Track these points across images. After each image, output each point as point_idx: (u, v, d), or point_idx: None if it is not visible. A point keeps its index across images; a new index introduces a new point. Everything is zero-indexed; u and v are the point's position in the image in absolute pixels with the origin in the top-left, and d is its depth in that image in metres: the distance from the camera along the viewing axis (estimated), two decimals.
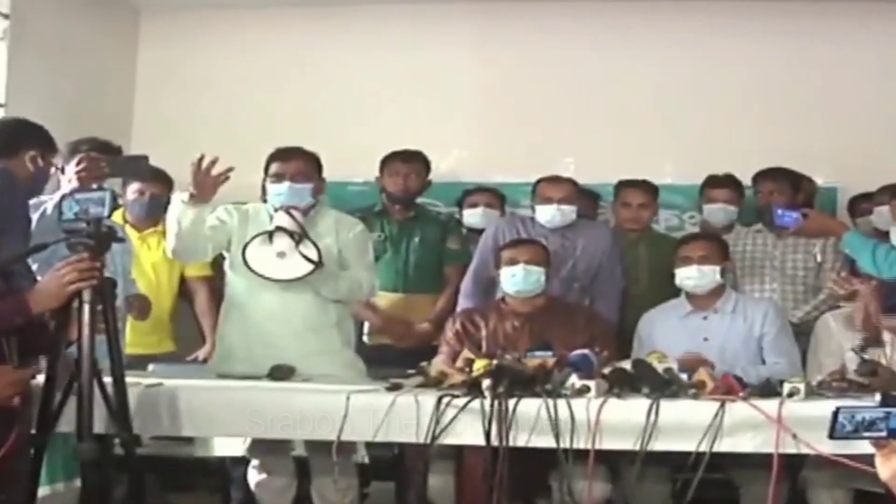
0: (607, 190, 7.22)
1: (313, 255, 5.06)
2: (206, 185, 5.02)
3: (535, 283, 5.47)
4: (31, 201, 4.76)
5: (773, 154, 6.71)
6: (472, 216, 6.95)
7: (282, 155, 5.30)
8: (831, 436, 3.13)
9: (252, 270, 5.10)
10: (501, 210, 7.12)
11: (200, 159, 5.01)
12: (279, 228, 5.09)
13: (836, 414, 3.11)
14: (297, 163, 5.26)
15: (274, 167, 5.27)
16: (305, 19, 8.18)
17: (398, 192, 6.45)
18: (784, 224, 5.34)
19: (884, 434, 3.08)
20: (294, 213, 5.16)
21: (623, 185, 6.62)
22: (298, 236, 5.08)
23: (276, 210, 5.22)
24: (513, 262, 5.49)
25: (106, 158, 5.07)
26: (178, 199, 5.06)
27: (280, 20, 8.20)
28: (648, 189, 6.58)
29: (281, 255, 5.08)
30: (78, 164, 5.02)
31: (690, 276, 5.53)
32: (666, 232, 7.12)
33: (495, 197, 7.15)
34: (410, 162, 6.49)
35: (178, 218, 5.05)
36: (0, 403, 3.50)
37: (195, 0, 8.26)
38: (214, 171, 5.02)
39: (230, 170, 5.07)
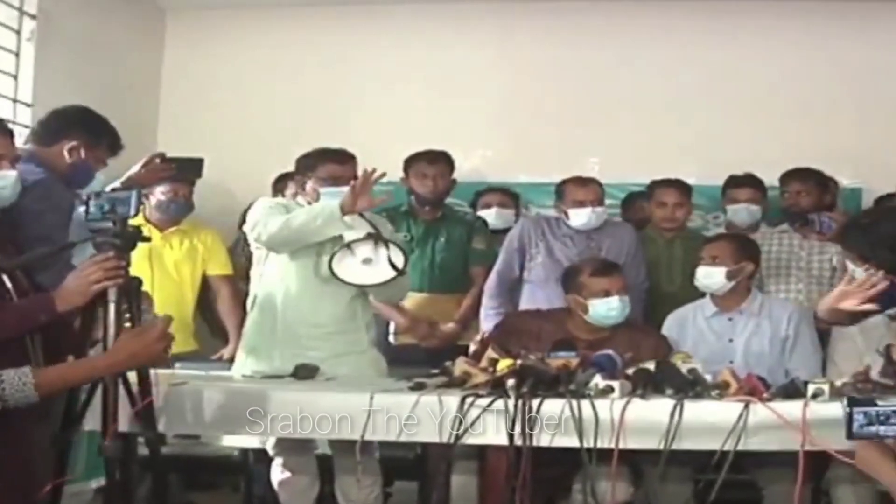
0: (631, 190, 7.26)
1: (399, 261, 5.02)
2: (364, 199, 4.99)
3: (628, 312, 5.37)
4: None
5: (797, 154, 6.70)
6: (486, 216, 6.93)
7: (337, 158, 5.25)
8: (849, 436, 3.13)
9: (343, 281, 5.04)
10: (516, 209, 7.13)
11: (370, 173, 4.99)
12: (370, 235, 5.03)
13: (850, 413, 3.10)
14: (351, 167, 5.21)
15: (329, 169, 5.20)
16: (330, 19, 8.20)
17: (428, 193, 6.43)
18: (825, 231, 5.33)
19: None
20: (365, 214, 5.12)
21: (658, 185, 6.59)
22: (385, 241, 5.03)
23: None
24: (606, 293, 5.32)
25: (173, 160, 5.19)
26: (332, 206, 5.00)
27: (305, 20, 8.23)
28: (683, 188, 6.54)
29: (367, 261, 5.01)
30: (146, 164, 5.09)
31: (698, 277, 5.57)
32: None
33: (508, 196, 7.16)
34: (437, 163, 6.48)
35: (320, 221, 5.00)
36: (159, 360, 3.68)
37: (221, 0, 8.29)
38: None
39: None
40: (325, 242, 5.08)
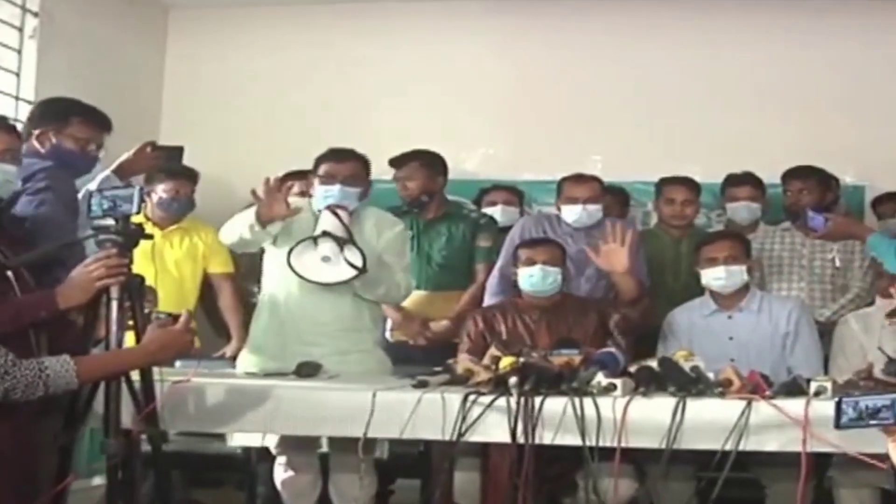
0: (635, 188, 7.27)
1: (358, 261, 4.99)
2: (277, 206, 5.01)
3: (552, 283, 5.48)
4: None
5: (800, 152, 6.71)
6: (492, 214, 6.92)
7: (334, 156, 5.26)
8: (837, 425, 3.13)
9: (297, 274, 5.07)
10: (520, 207, 7.12)
11: (267, 181, 5.01)
12: (325, 233, 5.04)
13: (839, 404, 3.11)
14: (349, 165, 5.22)
15: (325, 168, 5.23)
16: (332, 16, 8.21)
17: (405, 197, 6.41)
18: (813, 227, 5.34)
19: (890, 421, 3.08)
20: (340, 213, 5.10)
21: (667, 182, 6.62)
22: (343, 241, 5.02)
23: (320, 210, 5.20)
24: (531, 262, 5.50)
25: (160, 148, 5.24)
26: (251, 216, 5.03)
27: (307, 18, 8.23)
28: (692, 186, 6.56)
29: (326, 259, 5.01)
30: (137, 151, 5.17)
31: (718, 277, 5.53)
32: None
33: (513, 194, 7.15)
34: (403, 166, 6.43)
35: (242, 230, 5.06)
36: (185, 352, 3.83)
37: None
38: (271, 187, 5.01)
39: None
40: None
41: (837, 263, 6.20)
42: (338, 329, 5.16)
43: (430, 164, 6.47)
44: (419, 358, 5.67)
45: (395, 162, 6.43)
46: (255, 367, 5.07)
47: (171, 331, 3.66)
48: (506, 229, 6.55)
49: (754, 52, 7.77)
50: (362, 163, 5.32)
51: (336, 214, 5.09)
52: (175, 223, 6.55)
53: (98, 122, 4.95)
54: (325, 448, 5.24)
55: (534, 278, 5.48)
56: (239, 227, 5.10)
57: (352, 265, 5.00)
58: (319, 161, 5.29)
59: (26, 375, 3.26)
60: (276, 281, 5.26)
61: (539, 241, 5.75)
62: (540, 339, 5.28)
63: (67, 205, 4.56)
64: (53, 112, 4.91)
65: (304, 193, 6.40)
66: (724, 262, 5.52)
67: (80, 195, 4.82)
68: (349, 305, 5.20)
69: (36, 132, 4.78)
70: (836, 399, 3.15)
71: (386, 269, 5.21)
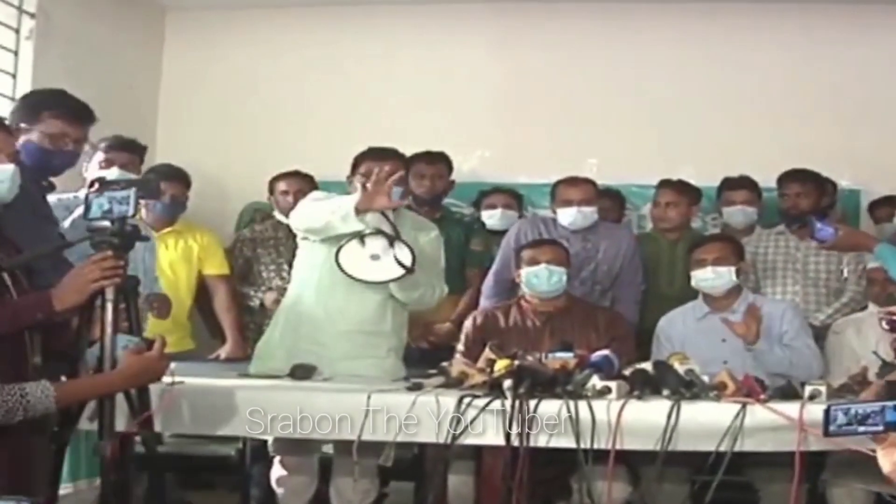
0: (630, 191, 7.28)
1: (407, 260, 4.94)
2: (381, 199, 4.88)
3: (556, 283, 5.49)
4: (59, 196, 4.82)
5: (795, 156, 6.70)
6: (491, 217, 6.94)
7: (379, 154, 5.18)
8: (826, 432, 3.13)
9: (346, 273, 5.00)
10: (519, 211, 7.13)
11: (383, 172, 4.88)
12: (378, 230, 4.96)
13: (827, 411, 3.11)
14: (394, 163, 5.11)
15: (366, 166, 5.13)
16: (329, 19, 8.20)
17: (425, 193, 6.45)
18: (822, 237, 5.36)
19: (880, 428, 3.08)
20: (386, 211, 5.01)
21: (659, 185, 6.69)
22: (392, 238, 4.96)
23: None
24: (534, 261, 5.51)
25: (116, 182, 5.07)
26: (349, 204, 4.90)
27: (303, 20, 8.22)
28: (678, 188, 6.58)
29: (375, 257, 4.97)
30: (91, 186, 5.01)
31: (706, 278, 5.55)
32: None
33: (513, 197, 7.16)
34: (435, 164, 6.50)
35: (337, 218, 4.92)
36: (156, 380, 3.79)
37: (221, 0, 8.29)
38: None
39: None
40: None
41: (846, 274, 6.22)
42: (354, 332, 5.10)
43: (449, 165, 6.64)
44: (417, 361, 5.65)
45: (428, 158, 6.51)
46: (266, 367, 5.03)
47: (145, 357, 3.65)
48: (503, 232, 6.57)
49: (750, 57, 7.76)
50: (403, 162, 5.27)
51: (382, 212, 5.00)
52: (168, 226, 6.53)
53: (72, 115, 4.68)
54: (328, 450, 5.22)
55: (539, 278, 5.50)
56: (324, 214, 4.97)
57: (400, 264, 4.95)
58: (359, 159, 5.23)
59: (7, 401, 3.29)
60: (304, 279, 5.22)
61: (543, 241, 5.77)
62: (542, 345, 5.21)
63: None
64: (26, 107, 4.71)
65: (287, 192, 6.47)
66: (712, 264, 5.55)
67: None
68: (372, 309, 5.13)
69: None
70: (825, 407, 3.15)
71: (424, 272, 5.14)
